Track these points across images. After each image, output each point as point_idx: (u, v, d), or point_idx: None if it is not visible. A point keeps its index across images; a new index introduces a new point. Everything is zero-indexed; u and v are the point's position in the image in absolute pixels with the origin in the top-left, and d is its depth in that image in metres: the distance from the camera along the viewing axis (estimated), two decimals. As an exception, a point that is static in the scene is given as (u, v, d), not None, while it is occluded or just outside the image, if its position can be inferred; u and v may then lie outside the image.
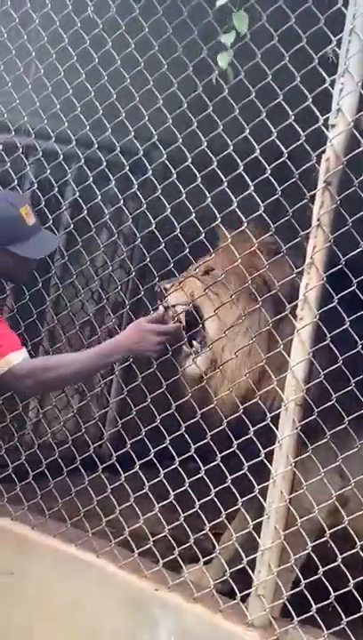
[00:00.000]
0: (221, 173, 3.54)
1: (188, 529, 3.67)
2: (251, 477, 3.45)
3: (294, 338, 3.28)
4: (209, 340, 3.86)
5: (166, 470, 3.71)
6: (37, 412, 4.96)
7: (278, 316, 3.56)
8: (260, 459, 3.38)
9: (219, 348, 3.82)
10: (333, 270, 3.19)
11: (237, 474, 3.48)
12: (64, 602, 3.87)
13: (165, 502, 3.73)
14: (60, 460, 4.11)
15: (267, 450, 3.36)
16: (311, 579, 3.25)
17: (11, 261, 3.67)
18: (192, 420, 3.71)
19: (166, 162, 3.84)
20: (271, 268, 3.59)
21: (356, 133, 3.11)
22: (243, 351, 3.71)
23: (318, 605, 3.18)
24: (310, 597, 3.20)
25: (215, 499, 3.55)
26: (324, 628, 3.18)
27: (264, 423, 3.41)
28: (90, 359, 3.66)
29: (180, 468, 3.65)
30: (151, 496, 3.76)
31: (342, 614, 3.14)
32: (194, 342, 3.89)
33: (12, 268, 3.71)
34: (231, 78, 3.48)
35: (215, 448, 3.62)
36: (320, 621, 3.18)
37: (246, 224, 3.50)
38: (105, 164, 4.11)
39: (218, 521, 3.65)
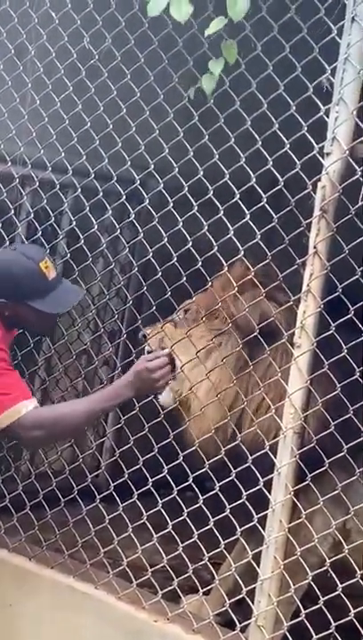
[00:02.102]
0: (217, 202, 3.55)
1: (186, 559, 3.64)
2: (249, 507, 3.42)
3: (291, 366, 3.28)
4: (181, 379, 3.87)
5: (164, 500, 3.69)
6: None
7: (256, 351, 3.57)
8: (259, 487, 3.36)
9: (188, 387, 3.83)
10: (330, 298, 3.20)
11: (235, 503, 3.46)
12: (62, 633, 3.83)
13: (163, 532, 3.71)
14: (57, 491, 4.08)
15: (266, 478, 3.34)
16: (312, 609, 3.22)
17: (32, 316, 3.65)
18: (190, 449, 3.70)
19: (163, 190, 3.85)
20: (242, 304, 3.60)
21: (351, 161, 3.13)
22: (211, 390, 3.70)
23: (319, 636, 3.15)
24: (310, 628, 3.18)
25: (214, 528, 3.53)
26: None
27: (263, 451, 3.40)
28: (96, 405, 3.61)
29: (178, 498, 3.63)
30: (149, 526, 3.74)
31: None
32: (171, 382, 3.90)
33: (34, 322, 3.69)
34: (209, 100, 3.52)
35: (214, 477, 3.61)
36: (321, 652, 3.16)
37: (242, 253, 3.50)
38: (101, 193, 4.12)
39: (217, 551, 3.61)
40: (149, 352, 3.91)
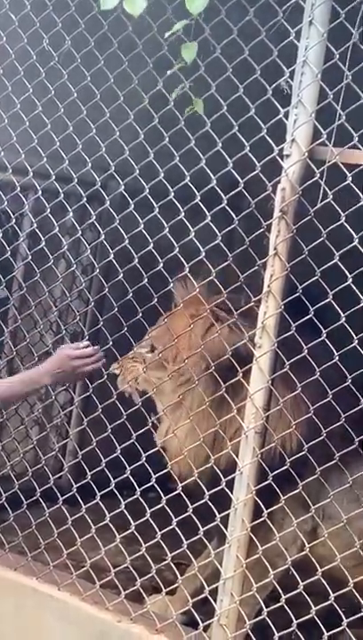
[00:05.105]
0: (178, 203, 3.56)
1: (149, 560, 3.65)
2: (212, 507, 3.44)
3: (252, 366, 3.30)
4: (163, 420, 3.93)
5: (127, 501, 3.69)
6: (-4, 445, 4.91)
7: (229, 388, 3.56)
8: (221, 487, 3.38)
9: (166, 426, 3.89)
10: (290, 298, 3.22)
11: (197, 503, 3.47)
12: (26, 635, 3.82)
13: (126, 533, 3.71)
14: (19, 493, 4.07)
15: (228, 478, 3.36)
16: (274, 607, 3.25)
17: None
18: (153, 450, 3.71)
19: (124, 192, 3.86)
20: (212, 342, 3.63)
21: (310, 163, 3.15)
22: (186, 430, 3.74)
23: (281, 634, 3.17)
24: (272, 625, 3.20)
25: (177, 528, 3.54)
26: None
27: (225, 451, 3.42)
28: (11, 387, 3.63)
29: (141, 499, 3.64)
30: (112, 527, 3.74)
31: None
32: (151, 415, 3.92)
33: None
34: (201, 110, 3.51)
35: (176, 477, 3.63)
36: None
37: (203, 254, 3.51)
38: (62, 194, 4.11)
39: (179, 551, 3.63)
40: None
